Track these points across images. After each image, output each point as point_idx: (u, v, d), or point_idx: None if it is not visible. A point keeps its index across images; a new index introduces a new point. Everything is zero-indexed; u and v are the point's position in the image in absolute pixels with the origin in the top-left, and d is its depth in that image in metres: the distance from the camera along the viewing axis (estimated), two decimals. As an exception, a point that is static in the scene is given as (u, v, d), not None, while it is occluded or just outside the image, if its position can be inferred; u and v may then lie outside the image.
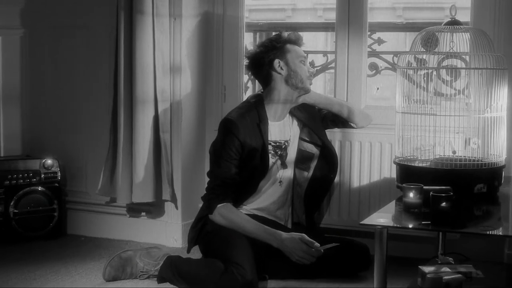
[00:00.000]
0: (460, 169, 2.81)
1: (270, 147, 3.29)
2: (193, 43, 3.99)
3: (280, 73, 3.25)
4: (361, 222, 2.35)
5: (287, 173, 3.39)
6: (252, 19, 4.14)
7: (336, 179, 3.73)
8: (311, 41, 4.30)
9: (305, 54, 3.28)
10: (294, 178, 3.43)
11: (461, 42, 3.08)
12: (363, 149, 3.74)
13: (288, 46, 3.30)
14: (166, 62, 3.85)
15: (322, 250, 3.04)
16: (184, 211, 3.98)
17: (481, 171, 2.84)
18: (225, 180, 3.21)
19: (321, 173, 3.41)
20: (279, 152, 3.35)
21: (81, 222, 4.24)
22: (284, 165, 3.38)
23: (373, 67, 3.98)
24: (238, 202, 3.30)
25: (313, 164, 3.41)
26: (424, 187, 2.55)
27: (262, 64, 3.31)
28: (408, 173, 2.88)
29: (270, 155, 3.29)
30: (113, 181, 3.92)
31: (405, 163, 2.92)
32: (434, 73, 3.53)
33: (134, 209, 4.07)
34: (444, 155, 2.98)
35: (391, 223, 2.41)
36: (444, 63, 3.33)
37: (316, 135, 3.39)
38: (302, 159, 3.42)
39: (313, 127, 3.41)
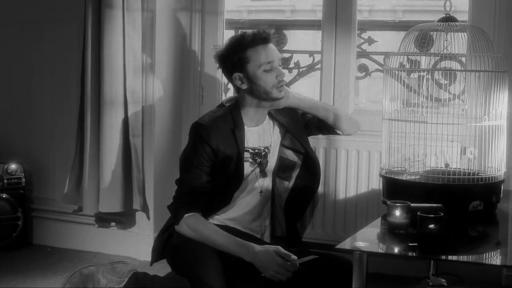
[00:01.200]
0: (453, 184, 2.51)
1: (248, 155, 3.01)
2: (168, 40, 3.70)
3: (241, 87, 2.95)
4: (337, 247, 2.05)
5: (266, 182, 3.10)
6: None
7: (320, 190, 3.46)
8: (300, 40, 4.00)
9: (274, 58, 2.89)
10: (273, 187, 3.13)
11: (456, 41, 2.78)
12: (350, 158, 3.45)
13: (249, 53, 2.95)
14: (137, 61, 3.55)
15: (298, 264, 2.73)
16: (156, 222, 3.68)
17: (477, 186, 2.54)
18: (194, 188, 2.93)
19: (303, 183, 3.12)
20: (258, 160, 3.06)
21: (47, 231, 3.97)
22: (263, 174, 3.09)
23: (363, 68, 3.70)
24: (210, 212, 3.02)
25: (295, 173, 3.13)
26: (412, 204, 2.25)
27: (226, 73, 3.01)
28: (395, 188, 2.58)
29: (248, 163, 3.01)
30: (80, 188, 3.63)
31: (392, 176, 2.61)
32: (428, 76, 3.27)
33: (103, 219, 3.79)
34: (436, 167, 2.68)
35: (371, 247, 2.10)
36: (440, 65, 3.05)
37: (299, 142, 3.10)
38: (283, 167, 3.13)
39: (295, 133, 3.11)
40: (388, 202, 2.22)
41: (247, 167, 2.99)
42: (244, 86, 2.94)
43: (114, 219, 3.78)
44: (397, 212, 2.20)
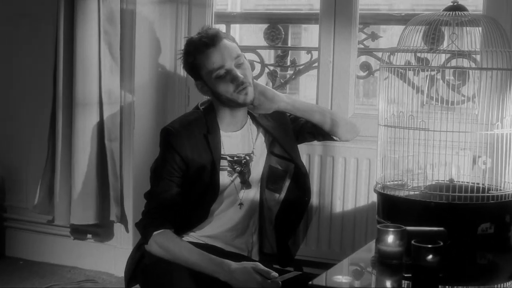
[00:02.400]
0: (459, 203, 2.13)
1: (225, 163, 2.68)
2: (151, 35, 3.36)
3: (206, 95, 2.65)
4: (312, 283, 1.69)
5: (250, 193, 2.78)
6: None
7: (315, 202, 3.11)
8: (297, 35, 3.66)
9: (224, 62, 2.53)
10: (262, 200, 2.81)
11: (468, 35, 2.41)
12: (348, 167, 3.09)
13: (198, 59, 2.62)
14: (115, 58, 3.22)
15: (281, 282, 2.42)
16: (136, 235, 3.29)
17: (487, 205, 2.16)
18: (163, 202, 2.64)
19: (295, 196, 2.79)
20: (238, 169, 2.72)
21: (21, 242, 3.68)
22: (246, 184, 2.76)
23: (366, 67, 3.34)
24: (185, 228, 2.72)
25: (286, 184, 2.79)
26: (408, 228, 1.89)
27: None
28: (391, 206, 2.22)
29: (226, 172, 2.68)
30: (52, 198, 3.31)
31: (387, 192, 2.24)
32: (438, 75, 2.92)
33: (79, 231, 3.47)
34: (441, 181, 2.31)
35: (353, 284, 1.74)
36: (451, 64, 2.72)
37: (285, 150, 2.76)
38: (273, 178, 2.81)
39: (281, 140, 2.78)
40: (378, 226, 1.86)
41: (225, 177, 2.69)
42: (209, 95, 2.64)
43: (90, 231, 3.46)
44: (389, 239, 1.85)
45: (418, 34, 2.48)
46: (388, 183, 2.28)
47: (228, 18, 3.56)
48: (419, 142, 2.22)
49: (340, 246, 3.12)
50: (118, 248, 3.41)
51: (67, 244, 3.54)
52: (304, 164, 3.12)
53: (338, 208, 3.12)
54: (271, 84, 3.46)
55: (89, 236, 3.49)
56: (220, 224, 2.75)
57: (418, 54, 2.64)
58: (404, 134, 2.22)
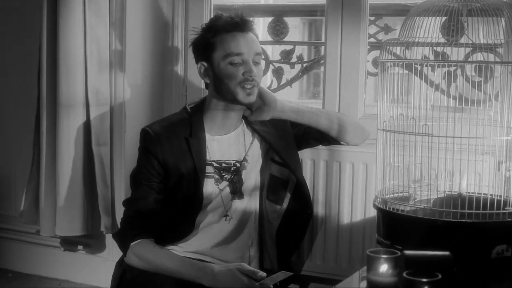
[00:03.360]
0: (470, 222, 1.82)
1: (211, 169, 2.42)
2: (143, 30, 3.10)
3: (205, 81, 2.39)
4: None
5: (242, 204, 2.52)
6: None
7: (321, 212, 2.83)
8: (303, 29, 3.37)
9: (246, 50, 2.33)
10: (262, 212, 2.55)
11: (486, 25, 2.11)
12: (357, 173, 2.79)
13: (217, 39, 2.37)
14: (103, 55, 2.97)
15: (272, 285, 2.24)
16: (129, 247, 3.08)
17: (504, 224, 1.85)
18: (141, 210, 2.42)
19: (297, 207, 2.52)
20: (227, 177, 2.46)
21: (10, 253, 3.44)
22: (238, 194, 2.50)
23: (379, 63, 3.01)
24: (170, 241, 2.48)
25: (288, 194, 2.53)
26: (407, 253, 1.59)
27: (195, 62, 2.48)
28: (392, 224, 1.92)
29: (213, 180, 2.43)
30: (38, 206, 3.06)
31: (387, 208, 1.94)
32: (458, 71, 2.64)
33: (70, 242, 3.23)
34: (451, 192, 2.00)
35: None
36: (472, 58, 2.38)
37: (282, 159, 2.50)
38: (274, 187, 2.57)
39: (278, 147, 2.51)
40: (368, 252, 1.57)
41: (211, 186, 2.45)
42: (208, 80, 2.39)
43: (82, 242, 3.21)
44: (381, 267, 1.55)
45: (430, 24, 2.18)
46: (390, 196, 1.98)
47: (229, 11, 3.26)
48: (429, 145, 1.91)
49: (348, 260, 2.83)
50: (110, 261, 3.13)
51: (58, 256, 3.31)
52: (308, 170, 2.85)
53: (345, 219, 2.82)
54: (276, 82, 3.17)
55: (80, 247, 3.25)
56: (207, 238, 2.50)
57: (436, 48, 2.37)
58: (410, 138, 1.92)
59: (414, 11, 2.08)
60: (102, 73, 2.96)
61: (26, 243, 3.38)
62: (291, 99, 3.29)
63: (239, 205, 2.50)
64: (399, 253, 1.57)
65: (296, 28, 3.46)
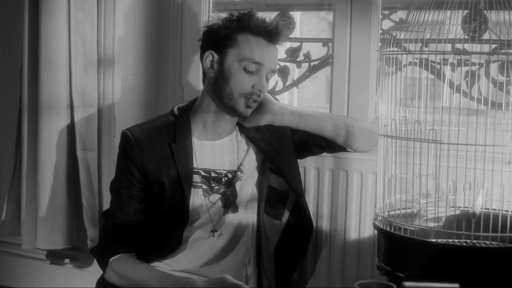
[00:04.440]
0: (486, 247, 1.53)
1: (198, 179, 2.16)
2: (135, 26, 2.85)
3: (207, 72, 2.13)
4: None
5: (236, 218, 2.27)
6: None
7: (326, 227, 2.56)
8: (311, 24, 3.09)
9: (266, 62, 2.11)
10: (260, 227, 2.29)
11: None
12: (365, 184, 2.51)
13: (241, 37, 2.12)
14: (90, 53, 2.72)
15: None
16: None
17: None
18: (120, 222, 2.21)
19: (297, 222, 2.27)
20: (217, 188, 2.22)
21: (-5, 266, 3.18)
22: (232, 208, 2.25)
23: (394, 60, 2.72)
24: (155, 257, 2.26)
25: (288, 208, 2.26)
26: (406, 285, 1.31)
27: (201, 49, 2.21)
28: (395, 248, 1.64)
29: (201, 191, 2.18)
30: (20, 216, 2.83)
31: (390, 229, 1.65)
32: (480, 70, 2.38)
33: (56, 254, 2.99)
34: (468, 209, 1.72)
35: None
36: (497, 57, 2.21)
37: (278, 169, 2.24)
38: (273, 200, 2.32)
39: (274, 157, 2.25)
40: (356, 285, 1.29)
41: (199, 197, 2.19)
42: (211, 73, 2.12)
43: (68, 255, 2.96)
44: (373, 304, 1.27)
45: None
46: (393, 213, 1.69)
47: (230, 6, 3.01)
48: (436, 153, 1.63)
49: (356, 280, 2.53)
50: (97, 276, 2.90)
51: (43, 269, 3.07)
52: (312, 180, 2.58)
53: (353, 234, 2.54)
54: (281, 83, 2.90)
55: (66, 261, 3.00)
56: (196, 255, 2.26)
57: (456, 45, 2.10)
58: (415, 144, 1.64)
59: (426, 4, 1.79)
60: (89, 72, 2.71)
61: (9, 255, 3.15)
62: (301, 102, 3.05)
63: (232, 219, 2.26)
64: (394, 287, 1.29)
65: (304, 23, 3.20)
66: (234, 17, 2.14)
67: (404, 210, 1.69)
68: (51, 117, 2.66)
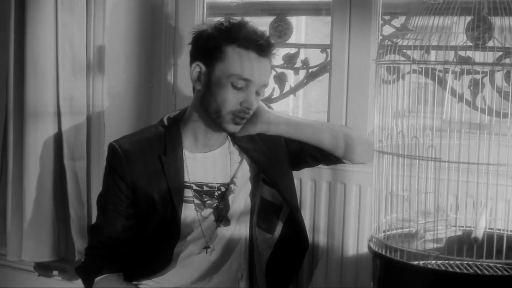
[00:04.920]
0: (489, 275, 1.42)
1: (189, 193, 2.06)
2: (126, 30, 2.75)
3: (195, 85, 2.02)
4: None
5: (228, 232, 2.17)
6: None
7: (323, 241, 2.45)
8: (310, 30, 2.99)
9: (255, 79, 1.98)
10: (252, 240, 2.19)
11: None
12: (364, 197, 2.41)
13: (229, 50, 1.99)
14: (78, 56, 2.61)
15: None
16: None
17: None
18: (107, 239, 2.11)
19: (291, 237, 2.19)
20: (210, 203, 2.12)
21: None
22: (224, 221, 2.15)
23: (394, 69, 2.61)
24: (143, 274, 2.16)
25: (282, 221, 2.16)
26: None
27: (190, 57, 2.10)
28: (390, 273, 1.52)
29: (193, 206, 2.08)
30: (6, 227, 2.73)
31: (386, 252, 1.54)
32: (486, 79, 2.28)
33: (45, 266, 2.89)
34: (467, 228, 1.61)
35: None
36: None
37: (271, 180, 2.14)
38: (265, 213, 2.22)
39: (267, 168, 2.15)
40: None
41: (191, 212, 2.09)
42: (198, 86, 2.00)
43: (57, 267, 2.86)
44: None
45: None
46: (390, 233, 1.58)
47: (226, 10, 2.90)
48: (436, 171, 1.52)
49: (354, 297, 2.44)
50: (87, 290, 2.80)
51: (32, 281, 2.97)
52: (309, 192, 2.47)
53: (351, 249, 2.43)
54: (278, 90, 2.79)
55: (55, 273, 2.90)
56: (187, 272, 2.16)
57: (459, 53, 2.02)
58: (412, 162, 1.53)
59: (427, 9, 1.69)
60: (77, 78, 2.60)
61: (-1, 265, 3.05)
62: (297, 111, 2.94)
63: (224, 233, 2.15)
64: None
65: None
66: (224, 27, 2.02)
67: (402, 230, 1.58)
68: (37, 125, 2.55)
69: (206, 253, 2.12)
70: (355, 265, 2.43)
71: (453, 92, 2.43)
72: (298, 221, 2.18)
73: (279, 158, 2.17)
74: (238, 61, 1.96)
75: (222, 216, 2.14)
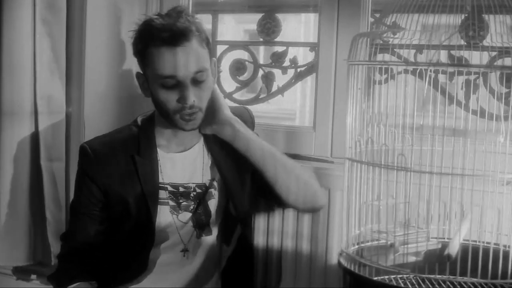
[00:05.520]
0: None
1: (164, 194, 1.96)
2: (109, 25, 2.65)
3: (143, 93, 1.94)
4: None
5: (210, 240, 2.06)
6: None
7: (306, 249, 2.34)
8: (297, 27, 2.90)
9: (180, 72, 1.85)
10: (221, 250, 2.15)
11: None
12: (349, 203, 2.28)
13: (151, 51, 1.90)
14: (58, 55, 2.54)
15: None
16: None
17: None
18: (79, 245, 2.02)
19: (244, 250, 2.14)
20: (185, 204, 2.03)
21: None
22: (206, 230, 2.06)
23: (384, 69, 2.51)
24: (118, 282, 2.06)
25: (238, 233, 2.09)
26: None
27: None
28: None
29: (168, 208, 1.98)
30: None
31: (356, 269, 1.44)
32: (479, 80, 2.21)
33: (23, 270, 2.80)
34: (447, 240, 1.51)
35: None
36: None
37: (225, 184, 2.04)
38: (225, 223, 2.11)
39: (224, 172, 2.04)
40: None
41: (165, 215, 1.99)
42: (148, 95, 1.92)
43: (35, 271, 2.78)
44: None
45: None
46: (363, 245, 1.48)
47: (213, 7, 2.81)
48: (406, 181, 1.42)
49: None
50: (66, 294, 2.72)
51: (11, 285, 2.88)
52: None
53: (335, 255, 2.33)
54: (266, 90, 2.69)
55: (32, 277, 2.82)
56: (164, 280, 2.07)
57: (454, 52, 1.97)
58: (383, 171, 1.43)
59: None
60: (55, 77, 2.52)
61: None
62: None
63: (206, 242, 2.06)
64: None
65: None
66: (137, 33, 1.94)
67: (376, 242, 1.48)
68: (13, 124, 2.47)
69: (184, 256, 2.03)
70: (338, 271, 2.33)
71: (442, 91, 2.34)
72: (246, 239, 2.10)
73: (241, 168, 2.05)
74: (156, 61, 1.87)
75: (202, 223, 2.04)
